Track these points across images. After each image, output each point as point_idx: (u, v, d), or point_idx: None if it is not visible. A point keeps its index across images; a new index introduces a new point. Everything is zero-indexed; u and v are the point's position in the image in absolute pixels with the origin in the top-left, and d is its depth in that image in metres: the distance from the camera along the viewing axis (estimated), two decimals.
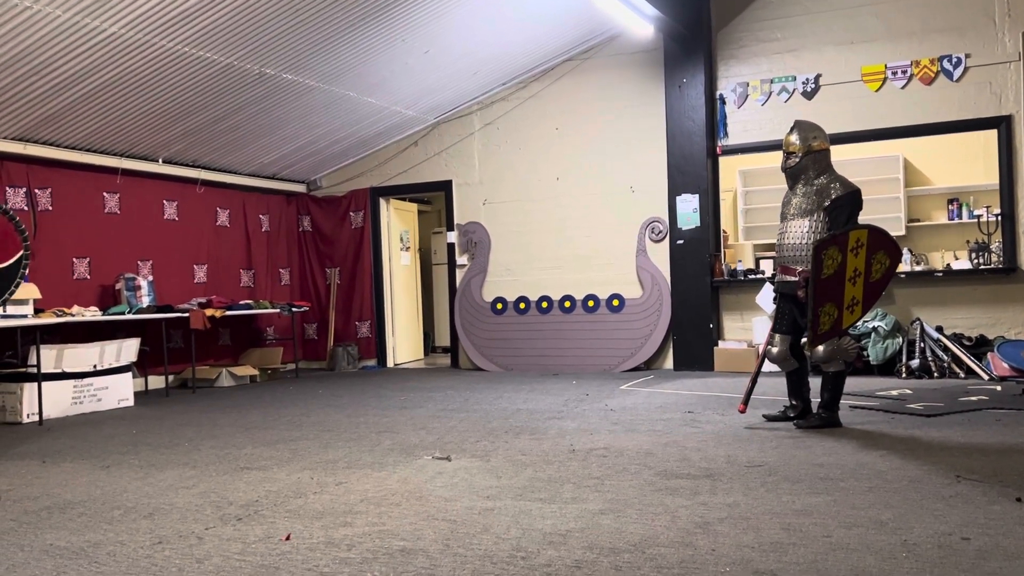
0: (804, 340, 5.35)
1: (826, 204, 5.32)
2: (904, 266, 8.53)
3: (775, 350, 5.54)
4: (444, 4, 7.74)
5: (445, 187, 10.56)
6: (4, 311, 6.88)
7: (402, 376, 9.79)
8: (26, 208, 8.00)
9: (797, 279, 5.31)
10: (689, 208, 9.06)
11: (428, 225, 12.98)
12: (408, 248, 11.72)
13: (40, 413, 6.95)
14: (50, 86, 7.01)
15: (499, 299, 10.10)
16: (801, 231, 5.37)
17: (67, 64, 6.76)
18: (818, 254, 4.86)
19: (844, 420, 5.58)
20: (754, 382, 5.68)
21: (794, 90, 8.87)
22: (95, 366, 7.49)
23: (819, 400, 5.47)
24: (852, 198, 5.32)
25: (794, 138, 5.50)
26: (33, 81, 6.87)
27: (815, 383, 5.61)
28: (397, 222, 11.43)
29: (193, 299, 9.23)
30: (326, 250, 11.24)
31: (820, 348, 5.23)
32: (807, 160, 5.44)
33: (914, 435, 5.00)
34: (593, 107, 9.69)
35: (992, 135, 8.27)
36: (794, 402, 5.60)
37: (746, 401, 5.65)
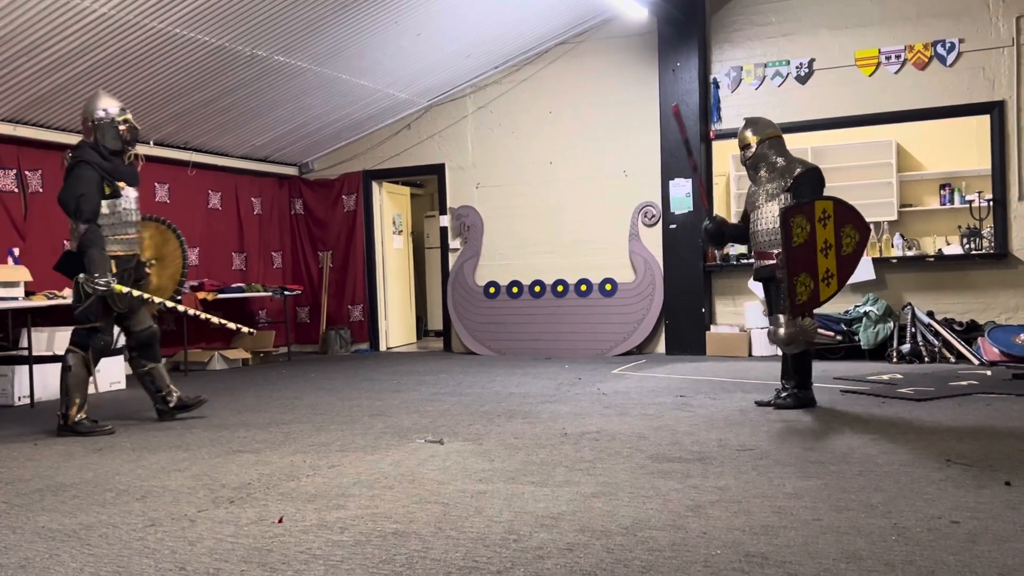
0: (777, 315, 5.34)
1: (790, 183, 5.44)
2: (896, 251, 8.56)
3: (782, 332, 5.46)
4: None
5: (438, 170, 10.54)
6: None
7: (395, 360, 9.79)
8: (16, 190, 7.95)
9: (775, 261, 5.37)
10: (682, 193, 9.06)
11: (421, 209, 12.95)
12: (401, 232, 11.70)
13: (31, 396, 6.94)
14: (40, 67, 6.96)
15: (492, 283, 10.09)
16: (772, 215, 5.46)
17: (57, 45, 6.70)
18: (786, 221, 4.94)
19: (836, 404, 5.61)
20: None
21: (788, 74, 8.86)
22: None
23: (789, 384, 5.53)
24: (814, 174, 5.48)
25: (749, 132, 5.69)
26: (23, 62, 6.81)
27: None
28: (390, 205, 11.41)
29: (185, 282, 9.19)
30: (318, 233, 11.21)
31: (782, 332, 5.26)
32: (763, 147, 5.60)
33: (905, 419, 5.03)
34: (587, 91, 9.66)
35: (985, 120, 8.28)
36: (786, 385, 5.62)
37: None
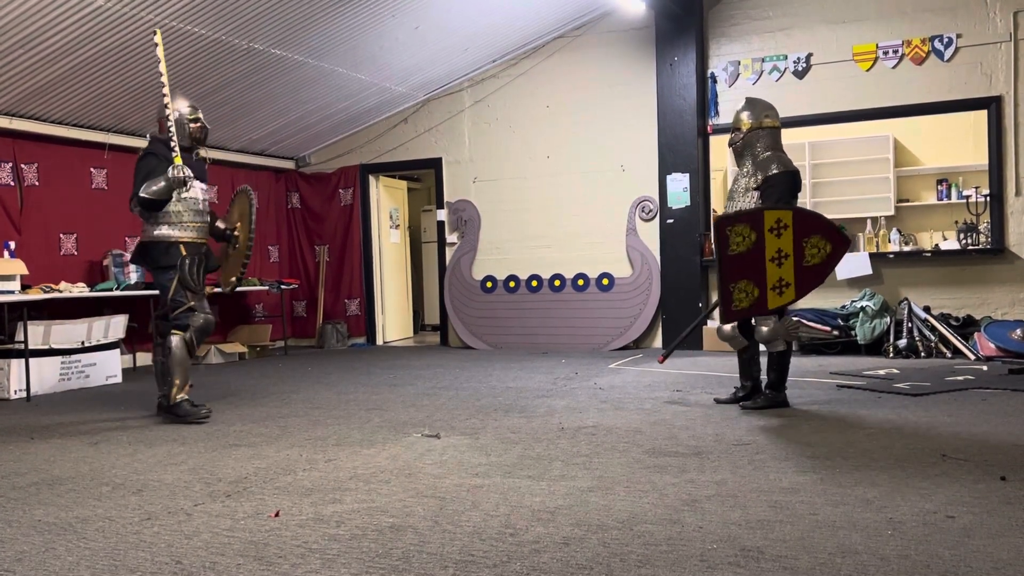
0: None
1: (759, 182, 5.28)
2: (892, 246, 8.57)
3: (726, 328, 5.54)
4: None
5: (435, 164, 10.53)
6: None
7: (391, 354, 9.79)
8: (12, 183, 7.93)
9: None
10: (679, 187, 9.05)
11: (418, 203, 12.94)
12: (398, 226, 11.69)
13: (28, 389, 6.93)
14: (36, 59, 6.93)
15: (489, 277, 10.09)
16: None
17: (54, 37, 6.68)
18: (721, 230, 4.82)
19: (832, 399, 5.62)
20: (684, 337, 6.08)
21: (785, 69, 8.85)
22: (83, 342, 7.46)
23: (765, 381, 5.50)
24: (784, 178, 5.25)
25: (745, 115, 5.45)
26: (19, 54, 6.79)
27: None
28: (387, 199, 11.40)
29: None
30: (315, 227, 11.20)
31: (764, 329, 5.27)
32: (752, 136, 5.39)
33: (900, 414, 5.03)
34: (584, 85, 9.65)
35: (982, 115, 8.28)
36: (744, 383, 5.59)
37: (667, 354, 6.06)
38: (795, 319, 5.41)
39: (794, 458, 3.98)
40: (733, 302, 4.91)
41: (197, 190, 5.72)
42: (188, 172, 5.47)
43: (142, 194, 5.46)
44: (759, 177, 5.30)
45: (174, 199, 5.57)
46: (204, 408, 5.56)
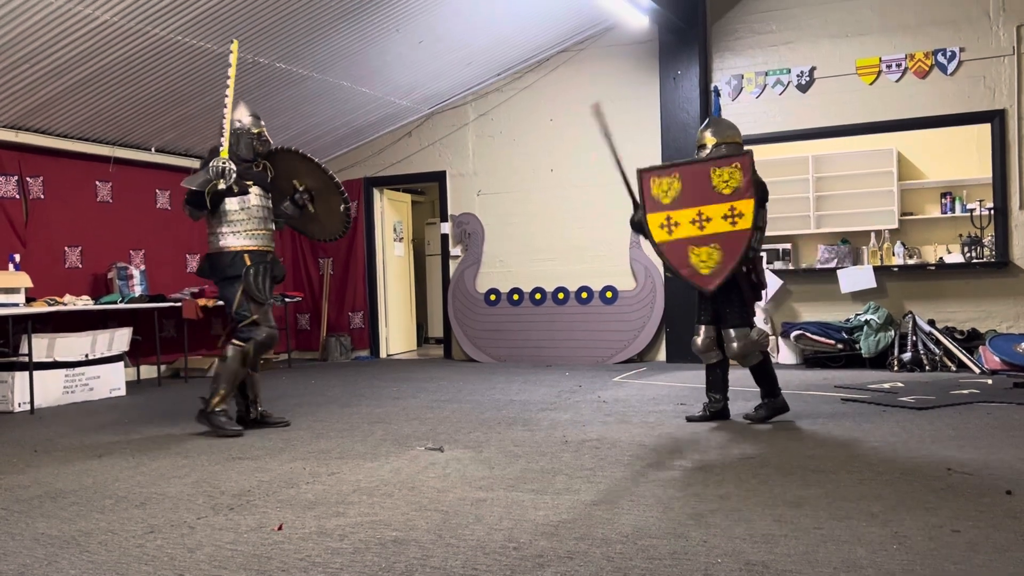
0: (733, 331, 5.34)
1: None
2: (897, 259, 8.55)
3: (699, 340, 5.52)
4: None
5: (439, 178, 10.55)
6: None
7: (395, 367, 9.79)
8: (18, 196, 7.96)
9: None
10: None
11: (422, 216, 12.95)
12: (401, 239, 11.71)
13: (31, 402, 6.93)
14: (42, 74, 6.97)
15: (492, 290, 10.09)
16: None
17: (59, 52, 6.72)
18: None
19: (836, 412, 5.60)
20: None
21: (788, 83, 8.87)
22: (87, 355, 7.46)
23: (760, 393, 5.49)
24: (758, 189, 5.22)
25: (708, 133, 5.47)
26: (25, 69, 6.82)
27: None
28: (391, 212, 11.42)
29: (185, 288, 9.21)
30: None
31: (735, 345, 5.27)
32: (719, 151, 5.36)
33: (905, 428, 5.02)
34: (588, 98, 9.60)
35: (986, 129, 8.28)
36: (716, 396, 5.54)
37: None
38: (762, 328, 5.41)
39: (799, 472, 3.97)
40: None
41: (258, 197, 5.70)
42: (231, 165, 5.44)
43: (183, 184, 5.47)
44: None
45: (237, 206, 5.58)
46: (239, 427, 5.49)
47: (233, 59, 5.57)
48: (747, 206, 5.04)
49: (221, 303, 9.17)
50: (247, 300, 5.57)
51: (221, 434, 5.39)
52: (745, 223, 5.05)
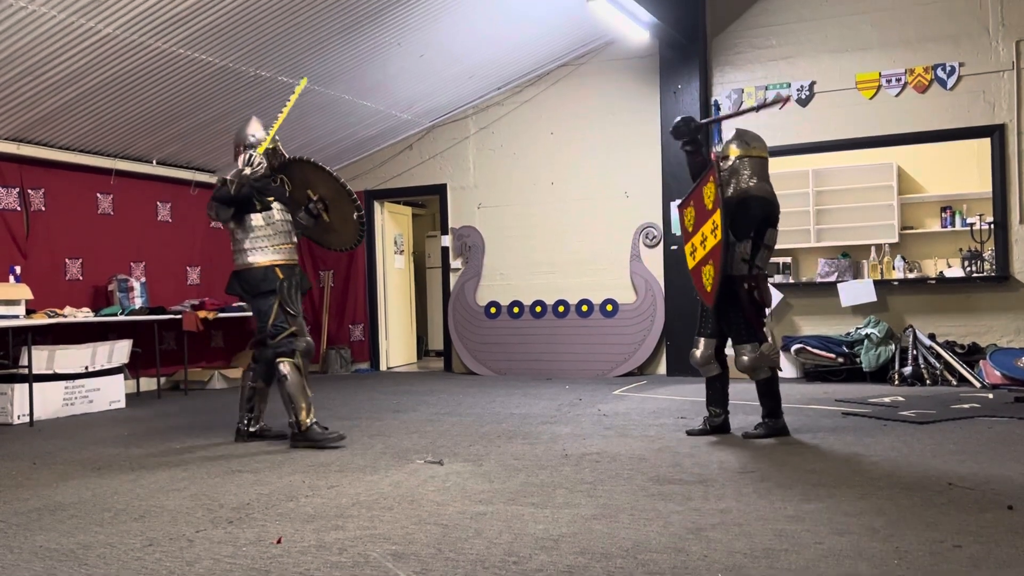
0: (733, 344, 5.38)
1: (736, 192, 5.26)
2: (897, 273, 8.56)
3: (697, 353, 5.52)
4: (440, 8, 7.75)
5: (440, 191, 10.56)
6: None
7: (395, 379, 9.78)
8: (19, 208, 7.97)
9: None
10: None
11: (422, 228, 12.97)
12: (402, 251, 11.71)
13: (31, 414, 6.93)
14: (44, 86, 6.99)
15: (493, 303, 10.09)
16: None
17: (62, 65, 6.74)
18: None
19: (837, 426, 5.59)
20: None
21: (788, 97, 8.89)
22: (87, 367, 7.46)
23: (761, 411, 5.45)
24: (762, 203, 5.23)
25: (733, 145, 5.41)
26: (27, 81, 6.84)
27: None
28: (391, 225, 11.43)
29: (186, 301, 9.21)
30: (320, 252, 11.20)
31: (744, 358, 5.26)
32: (739, 164, 5.32)
33: (906, 442, 5.01)
34: (588, 112, 9.70)
35: (985, 143, 8.30)
36: (716, 410, 5.53)
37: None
38: (771, 343, 5.41)
39: (799, 486, 3.96)
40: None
41: (280, 212, 5.74)
42: (260, 158, 5.55)
43: (213, 180, 5.56)
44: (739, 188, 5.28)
45: (263, 222, 5.61)
46: (336, 432, 5.47)
47: (297, 90, 5.77)
48: (719, 216, 5.08)
49: (221, 315, 9.23)
50: (283, 313, 5.59)
51: (326, 447, 5.34)
52: (720, 233, 5.07)
